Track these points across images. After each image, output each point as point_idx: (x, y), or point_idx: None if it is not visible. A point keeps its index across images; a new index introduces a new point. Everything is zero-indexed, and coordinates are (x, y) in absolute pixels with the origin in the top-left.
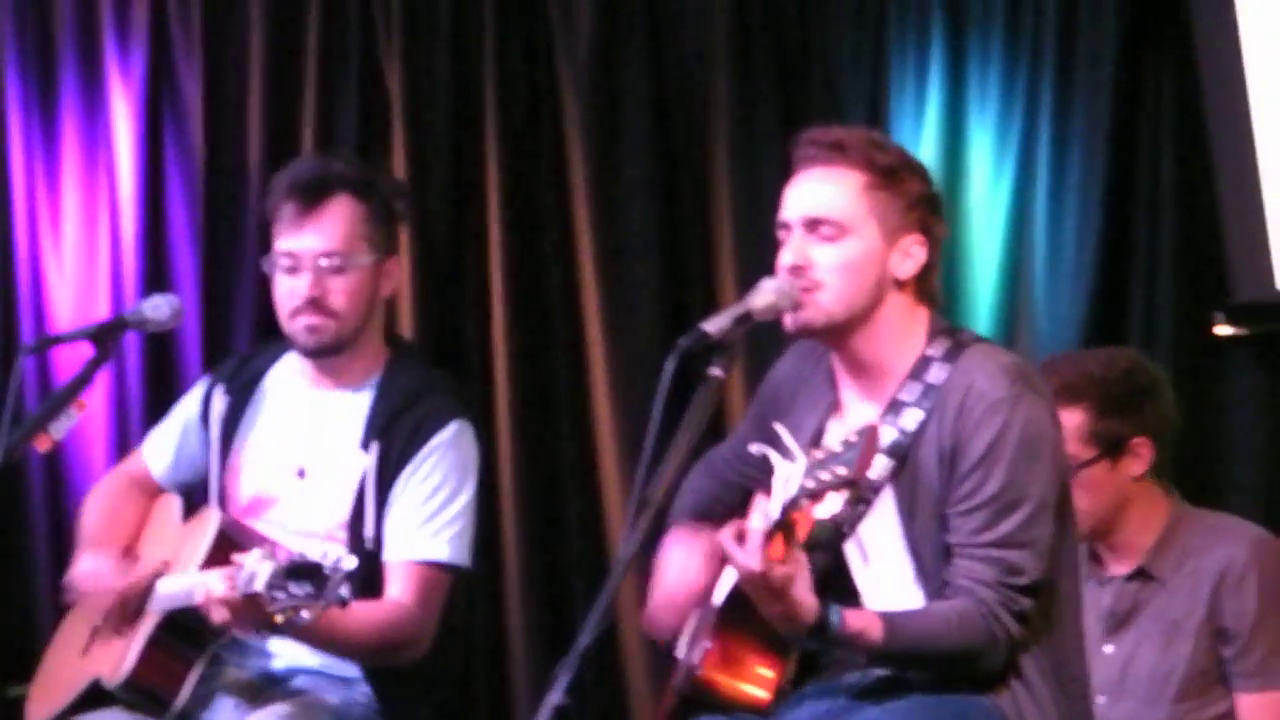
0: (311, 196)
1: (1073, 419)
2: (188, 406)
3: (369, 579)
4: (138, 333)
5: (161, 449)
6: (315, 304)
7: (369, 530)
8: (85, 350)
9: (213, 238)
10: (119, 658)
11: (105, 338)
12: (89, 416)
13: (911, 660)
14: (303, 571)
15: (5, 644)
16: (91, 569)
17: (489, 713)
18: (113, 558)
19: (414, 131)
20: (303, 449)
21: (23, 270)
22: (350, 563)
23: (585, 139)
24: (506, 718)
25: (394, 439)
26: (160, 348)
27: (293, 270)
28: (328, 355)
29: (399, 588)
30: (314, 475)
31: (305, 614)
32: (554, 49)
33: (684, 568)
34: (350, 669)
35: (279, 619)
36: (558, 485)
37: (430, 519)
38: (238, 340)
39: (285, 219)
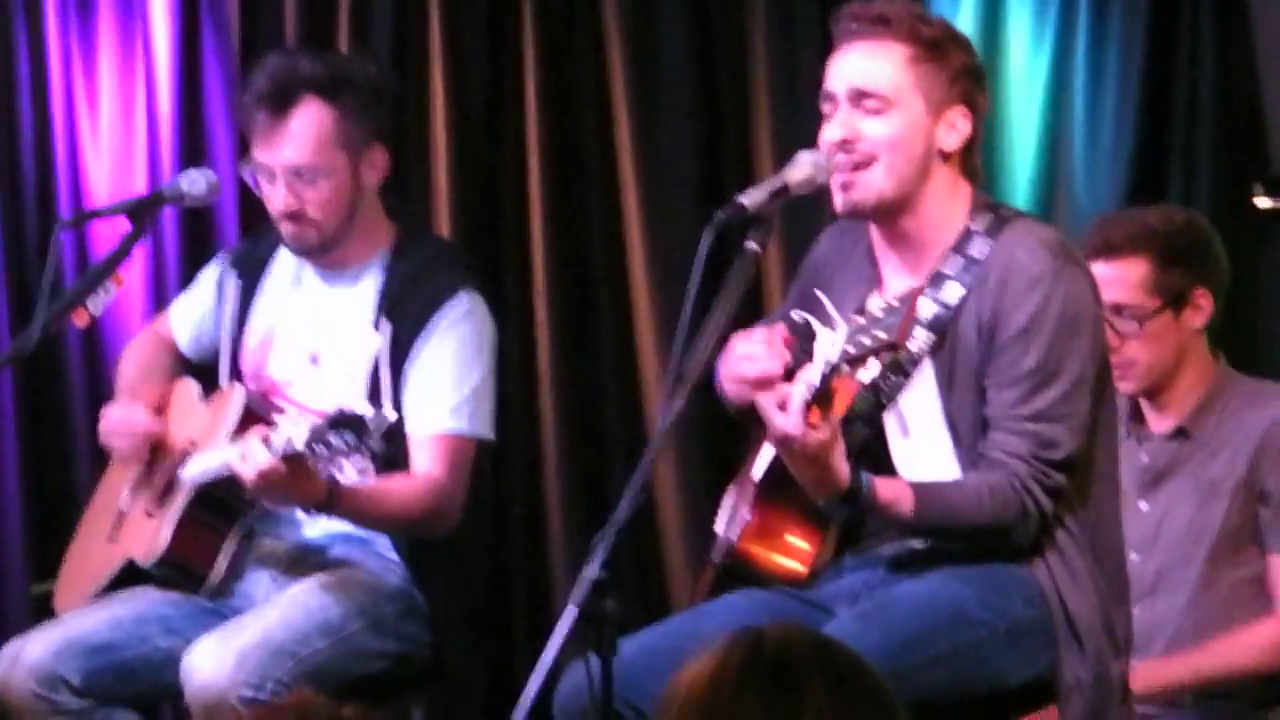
0: (276, 105)
1: (1136, 270)
2: (205, 285)
3: (390, 458)
4: (174, 208)
5: (183, 321)
6: (293, 215)
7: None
8: (122, 225)
9: None
10: (152, 536)
11: (142, 213)
12: (126, 291)
13: (941, 533)
14: (344, 422)
15: (46, 522)
16: (121, 413)
17: (526, 586)
18: (144, 406)
19: (449, 15)
20: (314, 334)
21: (60, 146)
22: (391, 414)
23: (621, 22)
24: (544, 591)
25: (404, 316)
26: (197, 223)
27: (269, 180)
28: (316, 256)
29: (426, 460)
30: (327, 360)
31: (347, 464)
32: None
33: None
34: (383, 543)
35: (323, 476)
36: (595, 360)
37: (450, 391)
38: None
39: (255, 128)
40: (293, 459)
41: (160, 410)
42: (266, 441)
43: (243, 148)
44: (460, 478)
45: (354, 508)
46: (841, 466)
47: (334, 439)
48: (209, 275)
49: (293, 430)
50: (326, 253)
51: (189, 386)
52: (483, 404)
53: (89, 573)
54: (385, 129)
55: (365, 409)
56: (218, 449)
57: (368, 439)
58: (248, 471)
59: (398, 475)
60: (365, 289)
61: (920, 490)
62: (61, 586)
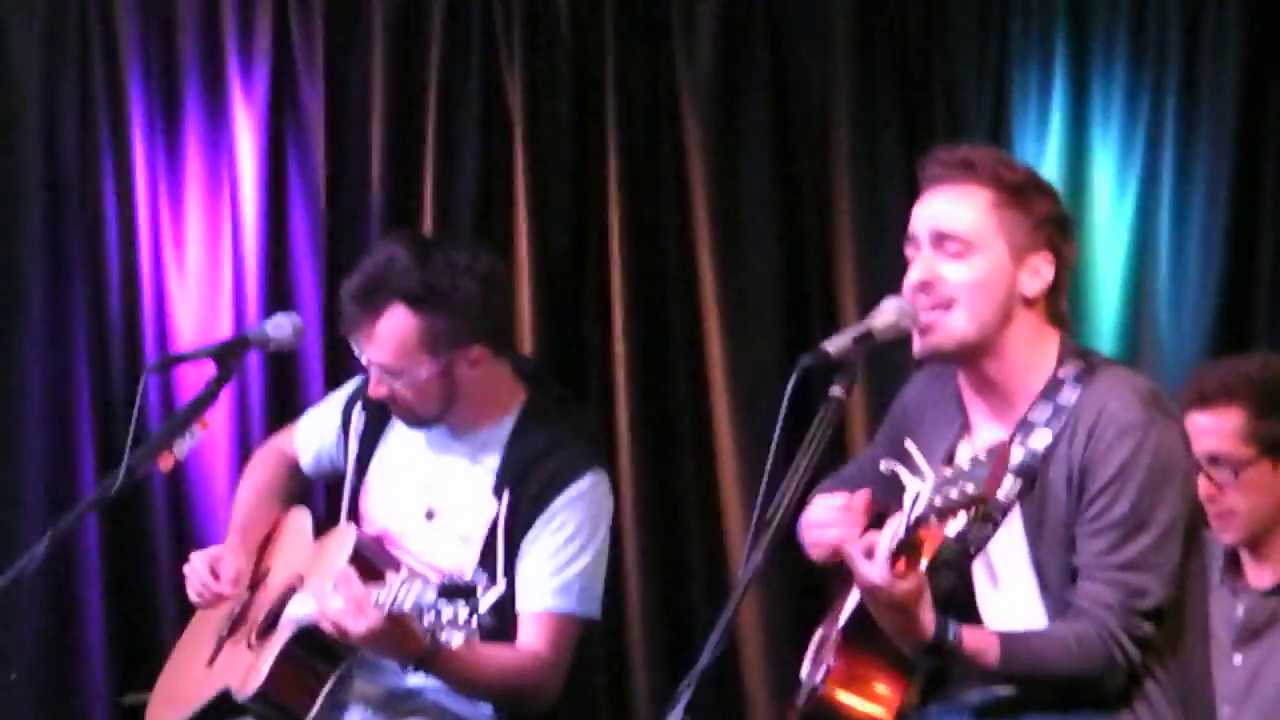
0: (365, 305)
1: (1231, 419)
2: (333, 409)
3: (498, 627)
4: (260, 352)
5: (309, 441)
6: (390, 399)
7: (497, 575)
8: (208, 369)
9: (335, 256)
10: (250, 670)
11: (228, 356)
12: (211, 435)
13: (1028, 682)
14: (457, 591)
15: (129, 659)
16: (202, 569)
17: None
18: (243, 549)
19: (535, 148)
20: (433, 490)
21: (146, 290)
22: (501, 587)
23: (706, 157)
24: None
25: (527, 489)
26: (282, 367)
27: (366, 365)
28: (422, 429)
29: (532, 635)
30: (442, 518)
31: (452, 634)
32: (675, 66)
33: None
34: (483, 708)
35: (426, 639)
36: (679, 506)
37: (561, 570)
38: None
39: (348, 317)
40: (398, 618)
41: (269, 539)
42: (375, 599)
43: (332, 287)
44: (563, 656)
45: (452, 670)
46: (927, 615)
47: (444, 607)
48: (339, 399)
49: (402, 591)
50: (431, 427)
51: (301, 518)
52: (592, 583)
53: (183, 695)
54: (483, 332)
55: (478, 578)
56: (322, 594)
57: (478, 612)
58: (354, 626)
59: (501, 645)
60: (490, 450)
61: (1007, 640)
62: (156, 699)
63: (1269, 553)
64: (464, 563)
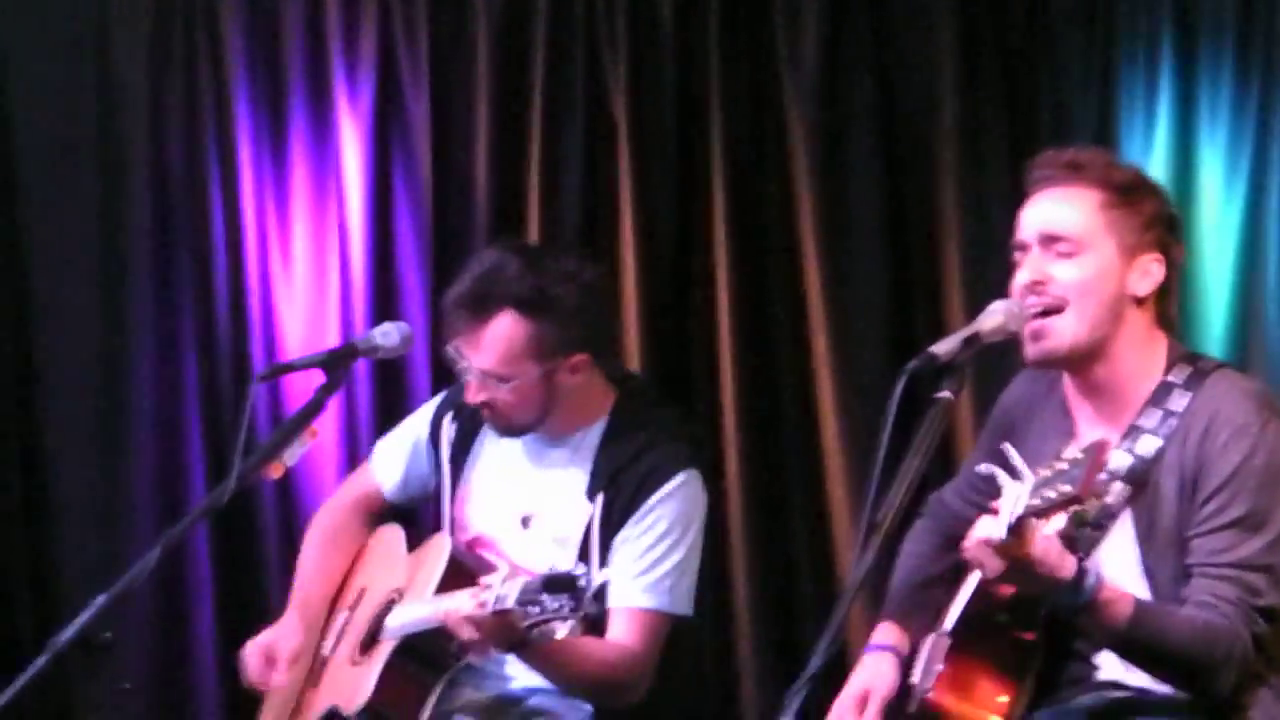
0: (475, 311)
1: None
2: (418, 424)
3: (592, 626)
4: (368, 360)
5: (391, 465)
6: (486, 405)
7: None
8: (316, 378)
9: (441, 264)
10: (356, 685)
11: (336, 365)
12: (320, 444)
13: (1149, 654)
14: (559, 584)
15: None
16: (274, 638)
17: None
18: (301, 622)
19: (639, 157)
20: (527, 496)
21: (254, 299)
22: (601, 576)
23: (811, 165)
24: None
25: (620, 490)
26: (390, 375)
27: (465, 369)
28: (514, 436)
29: (622, 631)
30: (538, 525)
31: (558, 626)
32: (780, 76)
33: (867, 694)
34: (582, 705)
35: (534, 632)
36: (785, 510)
37: (651, 568)
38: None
39: (453, 321)
40: (502, 614)
41: (357, 559)
42: (477, 597)
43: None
44: (652, 652)
45: (548, 656)
46: (1066, 558)
47: (548, 600)
48: (421, 417)
49: (503, 589)
50: (525, 434)
51: (393, 534)
52: (683, 581)
53: (289, 714)
54: (587, 340)
55: (578, 568)
56: (424, 601)
57: (583, 601)
58: (457, 625)
59: (595, 639)
60: (583, 452)
61: (1141, 604)
62: None
63: None
64: (560, 564)
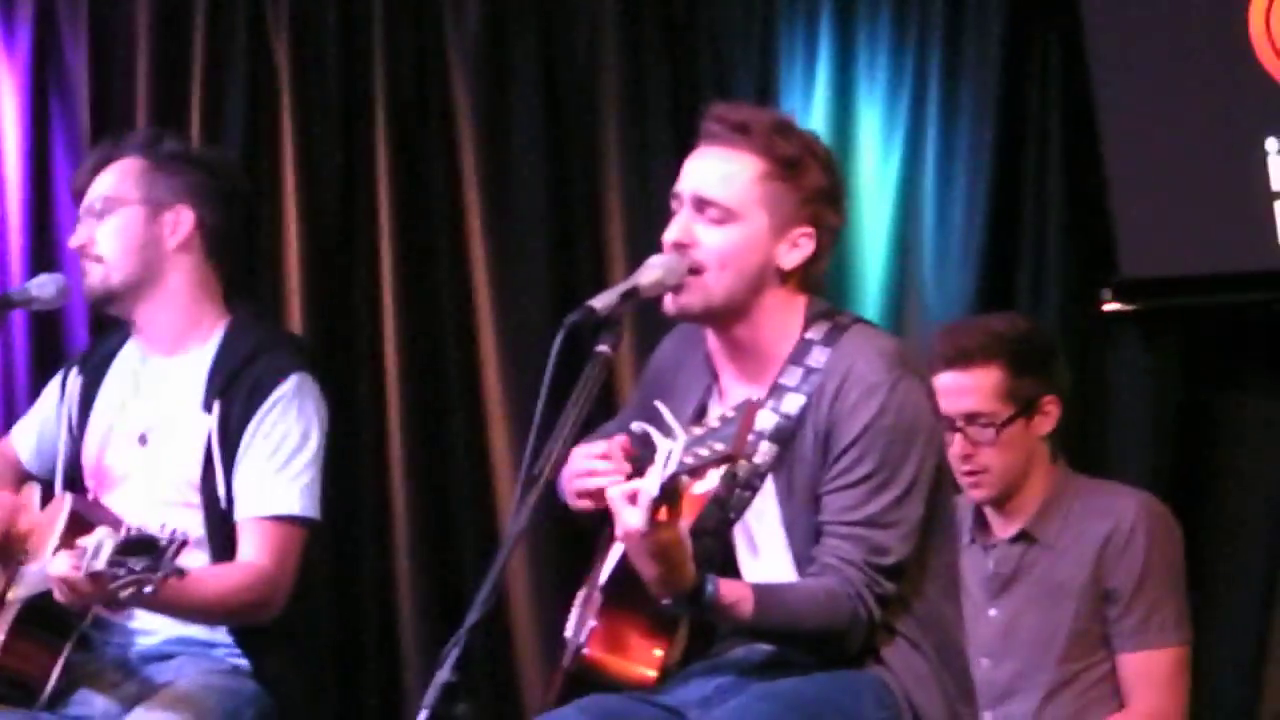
0: (100, 154)
1: (990, 377)
2: (49, 393)
3: (229, 539)
4: (24, 311)
5: (26, 435)
6: (88, 247)
7: (221, 490)
8: None
9: None
10: None
11: None
12: None
13: (781, 635)
14: (139, 546)
15: None
16: None
17: (380, 690)
18: None
19: (302, 108)
20: (144, 416)
21: None
22: (191, 533)
23: (474, 114)
24: (397, 694)
25: (234, 397)
26: (47, 327)
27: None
28: (105, 305)
29: (250, 546)
30: (156, 441)
31: (147, 588)
32: (443, 26)
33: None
34: (218, 633)
35: (121, 595)
36: (448, 461)
37: (277, 473)
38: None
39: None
40: (95, 576)
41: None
42: (75, 558)
43: None
44: (286, 562)
45: (166, 603)
46: (687, 565)
47: (132, 563)
48: (53, 383)
49: (100, 544)
50: (111, 303)
51: (29, 493)
52: (312, 484)
53: None
54: (200, 202)
55: (165, 526)
56: (41, 562)
57: (163, 563)
58: (55, 586)
59: (219, 565)
60: (197, 369)
61: (760, 592)
62: None
63: (1015, 506)
64: (186, 484)
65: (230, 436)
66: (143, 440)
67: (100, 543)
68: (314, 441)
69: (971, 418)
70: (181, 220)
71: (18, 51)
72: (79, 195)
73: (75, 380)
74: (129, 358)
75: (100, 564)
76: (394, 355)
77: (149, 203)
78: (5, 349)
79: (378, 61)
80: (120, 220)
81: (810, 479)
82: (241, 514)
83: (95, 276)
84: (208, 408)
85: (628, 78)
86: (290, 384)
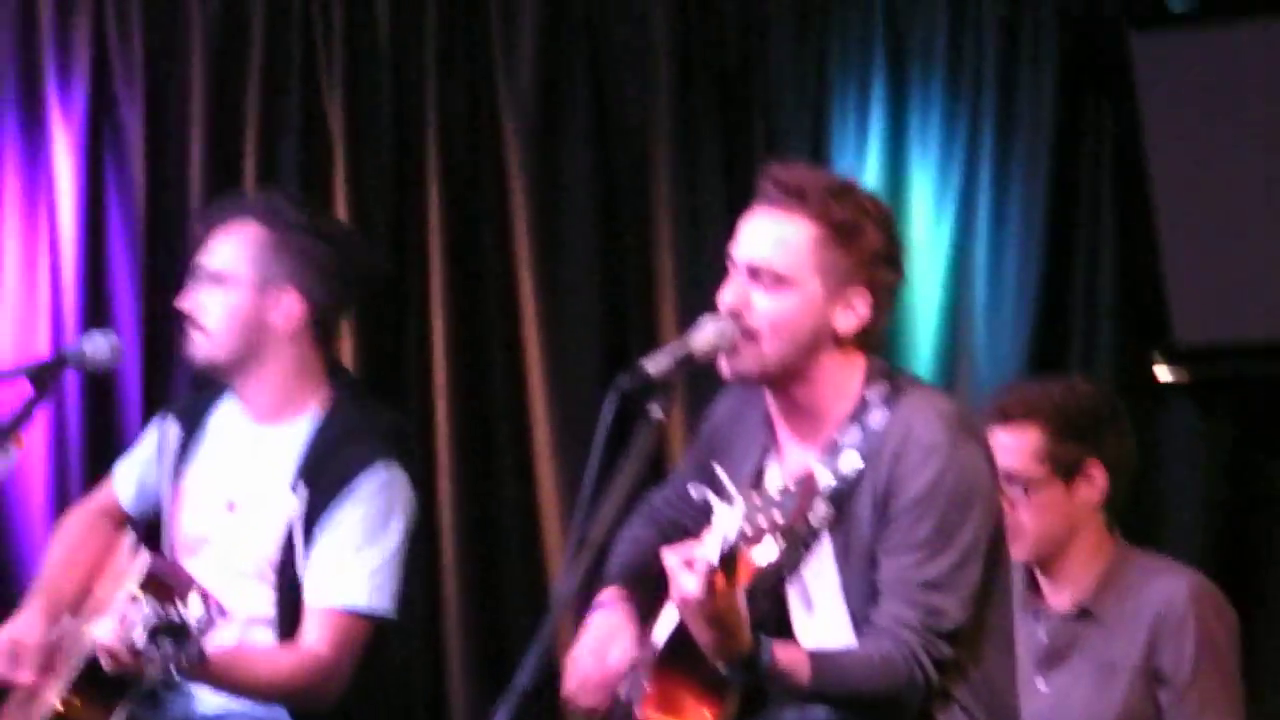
0: (221, 216)
1: (1028, 438)
2: (149, 438)
3: (298, 620)
4: (77, 371)
5: (127, 479)
6: (195, 315)
7: (295, 572)
8: (24, 388)
9: (153, 276)
10: (44, 703)
11: (44, 376)
12: (28, 455)
13: (837, 700)
14: (167, 630)
15: None
16: (12, 633)
17: None
18: (42, 614)
19: (355, 168)
20: (234, 483)
21: None
22: (260, 610)
23: (526, 175)
24: None
25: (321, 482)
26: (100, 387)
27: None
28: (210, 370)
29: (313, 633)
30: (243, 510)
31: (173, 670)
32: (496, 86)
33: (605, 646)
34: (275, 709)
35: (152, 673)
36: (498, 525)
37: (350, 563)
38: (178, 380)
39: (201, 230)
40: (133, 651)
41: (89, 588)
42: (119, 629)
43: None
44: (346, 654)
45: (214, 678)
46: (743, 632)
47: (163, 644)
48: (152, 428)
49: (136, 622)
50: (215, 370)
51: (123, 544)
52: (386, 580)
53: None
54: (312, 288)
55: (194, 611)
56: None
57: (184, 650)
58: (104, 659)
59: (278, 647)
60: (292, 444)
61: (817, 658)
62: None
63: (1062, 574)
64: (265, 561)
65: (312, 520)
66: (230, 507)
67: (141, 618)
68: (394, 535)
69: (1007, 476)
70: (292, 307)
71: (73, 109)
72: (196, 243)
73: (172, 431)
74: (227, 417)
75: (137, 640)
76: (444, 417)
77: (261, 283)
78: (58, 408)
79: (430, 122)
80: (230, 297)
81: (867, 540)
82: (310, 599)
83: (199, 347)
84: (295, 488)
85: (680, 138)
86: (378, 474)
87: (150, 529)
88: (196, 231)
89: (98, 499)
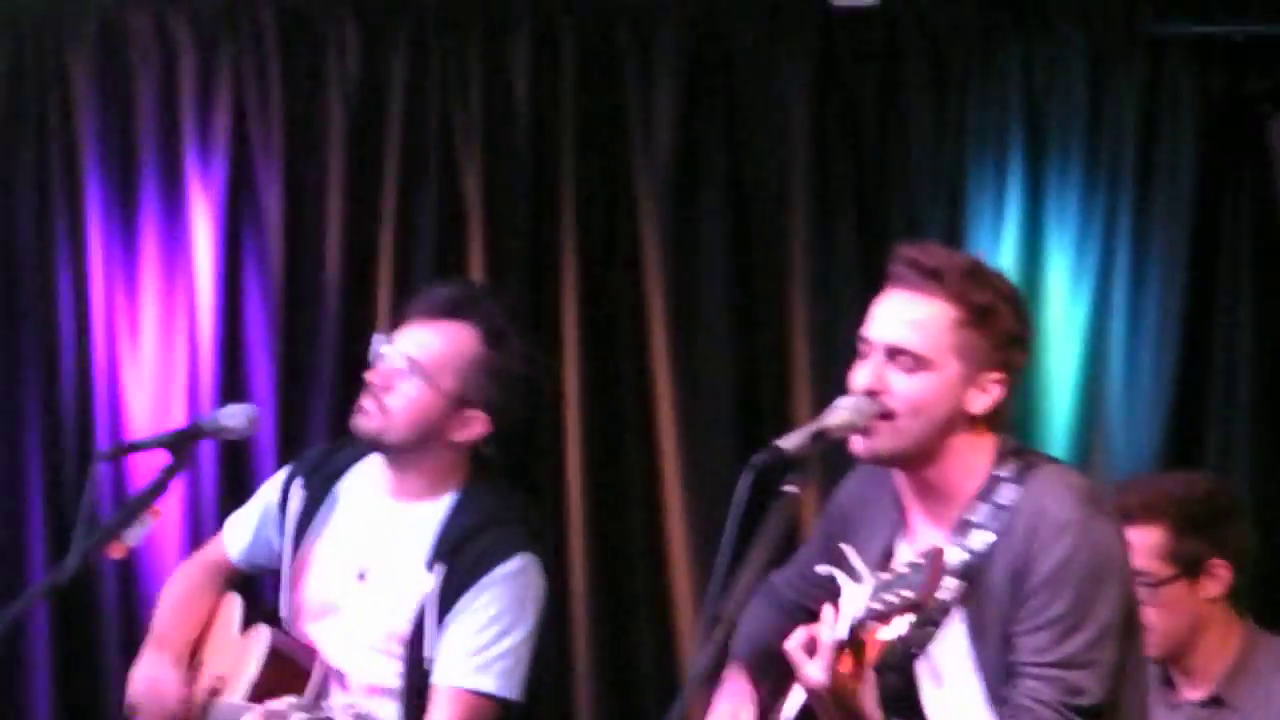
0: (437, 310)
1: (1151, 537)
2: (269, 491)
3: (423, 697)
4: (213, 441)
5: (241, 530)
6: (380, 392)
7: (428, 652)
8: (161, 458)
9: (290, 347)
10: None
11: (181, 445)
12: (164, 524)
13: None
14: None
15: None
16: (150, 675)
17: None
18: (172, 663)
19: (492, 246)
20: (367, 554)
21: (100, 377)
22: (385, 682)
23: (663, 255)
24: None
25: (459, 564)
26: (236, 457)
27: (382, 349)
28: (377, 448)
29: (440, 713)
30: (374, 582)
31: None
32: (632, 167)
33: None
34: None
35: None
36: (631, 601)
37: (482, 649)
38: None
39: (412, 312)
40: None
41: (197, 645)
42: None
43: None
44: None
45: None
46: (874, 714)
47: None
48: (274, 482)
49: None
50: (383, 450)
51: (231, 608)
52: (514, 664)
53: None
54: (504, 414)
55: (350, 709)
56: (234, 703)
57: None
58: None
59: None
60: (429, 522)
61: None
62: None
63: (1194, 667)
64: (394, 636)
65: (446, 601)
66: (361, 577)
67: (293, 712)
68: (527, 624)
69: (1133, 575)
70: (476, 428)
71: (213, 182)
72: (408, 319)
73: (299, 492)
74: (360, 483)
75: None
76: (577, 493)
77: (458, 399)
78: (194, 479)
79: (566, 199)
80: (424, 394)
81: (1002, 617)
82: (438, 678)
83: (371, 423)
84: (430, 567)
85: (816, 216)
86: (515, 563)
87: (245, 581)
88: (415, 308)
89: (206, 554)
